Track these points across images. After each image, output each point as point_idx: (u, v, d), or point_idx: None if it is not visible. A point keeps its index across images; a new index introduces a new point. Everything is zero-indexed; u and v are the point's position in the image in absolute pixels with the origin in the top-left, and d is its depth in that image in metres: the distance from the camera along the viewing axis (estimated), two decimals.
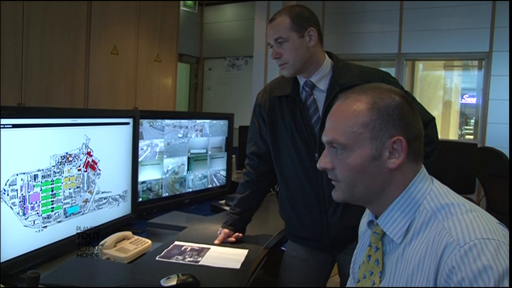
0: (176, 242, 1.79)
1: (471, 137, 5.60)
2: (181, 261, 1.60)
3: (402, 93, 1.04)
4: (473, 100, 5.64)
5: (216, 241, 1.84)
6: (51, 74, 3.83)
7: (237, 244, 1.84)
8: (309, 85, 1.70)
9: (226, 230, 1.87)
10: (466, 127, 5.84)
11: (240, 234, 1.90)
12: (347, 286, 1.34)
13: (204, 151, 2.64)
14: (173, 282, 1.35)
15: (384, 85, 1.06)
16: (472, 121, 5.67)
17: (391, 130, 0.99)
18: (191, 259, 1.63)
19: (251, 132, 1.92)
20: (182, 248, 1.73)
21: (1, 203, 1.37)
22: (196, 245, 1.78)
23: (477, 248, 0.86)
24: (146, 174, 2.23)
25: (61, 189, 1.62)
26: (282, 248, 1.98)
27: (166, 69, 5.28)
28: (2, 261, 1.37)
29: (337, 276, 1.85)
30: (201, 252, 1.70)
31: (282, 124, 1.75)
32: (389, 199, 1.03)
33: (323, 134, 1.07)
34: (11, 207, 1.41)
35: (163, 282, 1.36)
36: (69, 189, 1.66)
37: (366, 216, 1.22)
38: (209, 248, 1.75)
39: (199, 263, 1.58)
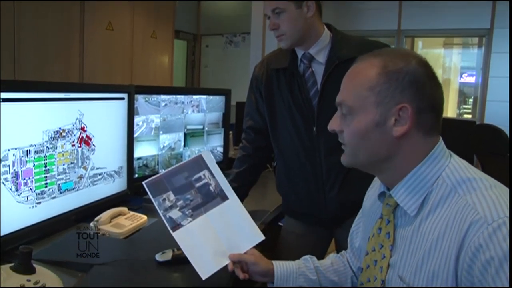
0: (205, 154, 1.34)
1: (469, 116, 5.59)
2: (163, 211, 1.22)
3: (422, 59, 0.99)
4: (472, 79, 5.61)
5: None
6: (45, 50, 3.78)
7: None
8: (307, 58, 1.66)
9: None
10: (464, 106, 5.82)
11: None
12: (344, 253, 1.34)
13: (201, 127, 2.60)
14: (168, 257, 1.33)
15: (404, 49, 1.01)
16: (471, 100, 5.65)
17: (398, 96, 0.95)
18: (177, 214, 1.22)
19: (247, 106, 1.88)
20: (195, 176, 1.28)
21: None
22: (218, 178, 1.33)
23: (506, 227, 0.82)
24: (142, 150, 2.20)
25: (54, 164, 1.59)
26: (280, 223, 1.97)
27: (163, 46, 5.21)
28: None
29: (335, 252, 1.84)
30: (209, 200, 1.29)
31: (279, 97, 1.72)
32: (399, 170, 0.99)
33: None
34: (3, 183, 1.38)
35: (158, 257, 1.34)
36: (63, 165, 1.63)
37: (374, 188, 1.20)
38: (225, 198, 1.32)
39: (173, 233, 1.20)
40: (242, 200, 1.91)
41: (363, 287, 1.10)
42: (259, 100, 1.80)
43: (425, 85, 0.96)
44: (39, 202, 1.53)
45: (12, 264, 1.12)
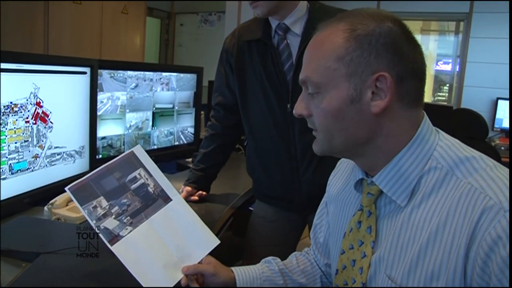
0: (137, 150, 1.15)
1: (444, 103, 5.57)
2: (95, 221, 1.00)
3: (396, 18, 0.84)
4: (447, 67, 5.57)
5: None
6: (6, 23, 3.54)
7: (200, 203, 1.72)
8: (283, 28, 1.54)
9: (189, 188, 1.74)
10: (439, 93, 5.79)
11: (204, 193, 1.78)
12: (308, 250, 1.23)
13: (171, 106, 2.47)
14: None
15: (372, 9, 0.85)
16: (446, 87, 5.62)
17: (374, 64, 0.79)
18: (113, 224, 1.00)
19: (217, 80, 1.76)
20: (130, 176, 1.09)
21: None
22: (156, 178, 1.14)
23: None
24: (107, 129, 2.06)
25: (5, 142, 1.45)
26: (250, 208, 1.87)
27: (134, 23, 5.02)
28: None
29: (308, 238, 1.75)
30: (149, 203, 1.09)
31: (251, 71, 1.59)
32: (382, 153, 0.85)
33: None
34: None
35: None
36: (15, 142, 1.49)
37: (341, 174, 1.06)
38: (168, 200, 1.13)
39: (112, 247, 0.98)
40: (209, 182, 1.81)
41: None
42: (229, 74, 1.68)
43: (403, 48, 0.81)
44: None
45: None
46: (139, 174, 1.10)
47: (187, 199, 1.72)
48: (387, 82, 0.79)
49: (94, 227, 0.97)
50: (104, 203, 1.00)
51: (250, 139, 1.70)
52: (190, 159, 2.49)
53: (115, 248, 0.97)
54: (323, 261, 1.15)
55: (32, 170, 1.57)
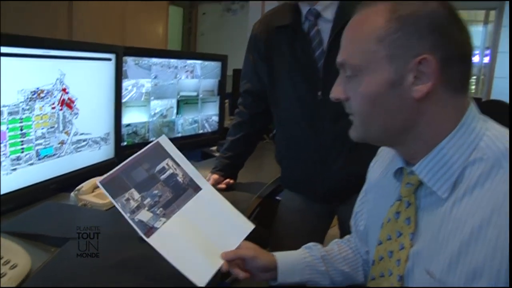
0: (162, 140, 1.14)
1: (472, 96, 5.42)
2: (129, 214, 0.97)
3: None
4: (475, 59, 5.43)
5: None
6: (29, 8, 3.53)
7: (227, 191, 1.69)
8: (313, 14, 1.49)
9: (216, 176, 1.71)
10: None
11: (231, 181, 1.75)
12: (349, 237, 1.19)
13: (195, 94, 2.45)
14: None
15: None
16: (473, 79, 5.48)
17: (416, 46, 0.74)
18: (147, 216, 0.97)
19: (244, 67, 1.72)
20: (158, 167, 1.06)
21: None
22: (184, 168, 1.11)
23: None
24: (131, 117, 2.05)
25: (32, 128, 1.44)
26: (277, 197, 1.84)
27: (157, 11, 5.00)
28: None
29: (336, 229, 1.71)
30: (180, 194, 1.06)
31: (280, 58, 1.54)
32: (424, 141, 0.79)
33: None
34: None
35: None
36: (42, 128, 1.49)
37: (381, 162, 1.02)
38: (198, 189, 1.10)
39: (148, 239, 0.95)
40: (237, 171, 1.78)
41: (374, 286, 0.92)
42: (258, 61, 1.64)
43: (449, 29, 0.75)
44: (15, 169, 1.39)
45: None
46: (167, 164, 1.08)
47: (214, 187, 1.70)
48: (430, 65, 0.74)
49: (128, 220, 0.95)
50: (136, 195, 0.97)
51: (278, 127, 1.66)
52: (215, 148, 2.47)
53: (152, 240, 0.95)
54: (364, 249, 1.11)
55: (59, 156, 1.57)
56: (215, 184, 1.70)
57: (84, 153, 1.70)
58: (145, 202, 0.98)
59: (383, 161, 1.00)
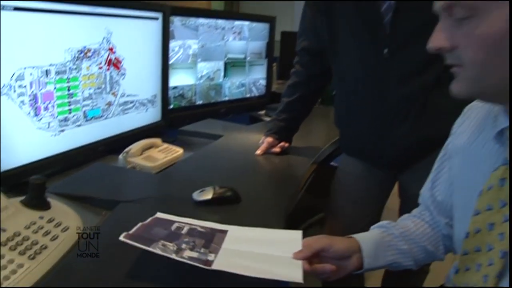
0: (160, 215, 1.01)
1: None
2: (171, 255, 0.82)
3: None
4: None
5: (259, 151, 1.62)
6: None
7: (282, 155, 1.62)
8: None
9: (270, 139, 1.63)
10: None
11: (286, 144, 1.67)
12: (421, 211, 1.07)
13: (243, 56, 2.36)
14: (208, 196, 1.14)
15: None
16: None
17: None
18: (194, 254, 0.84)
19: (302, 23, 1.60)
20: (173, 227, 0.94)
21: (7, 100, 1.16)
22: (198, 223, 0.99)
23: None
24: (178, 79, 1.99)
25: (79, 88, 1.40)
26: (332, 163, 1.75)
27: None
28: (12, 167, 1.19)
29: (395, 197, 1.60)
30: (211, 238, 0.92)
31: (342, 13, 1.38)
32: None
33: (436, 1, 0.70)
34: (19, 106, 1.21)
35: (196, 196, 1.15)
36: (89, 89, 1.44)
37: (470, 120, 0.88)
38: (224, 231, 0.96)
39: (212, 267, 0.80)
40: (292, 134, 1.69)
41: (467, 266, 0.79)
42: (317, 16, 1.49)
43: None
44: (63, 130, 1.36)
45: (23, 198, 0.96)
46: (179, 223, 0.96)
47: (268, 150, 1.64)
48: None
49: (178, 259, 0.80)
50: (169, 244, 0.85)
51: (339, 88, 1.54)
52: (263, 112, 2.39)
53: (218, 266, 0.80)
54: (443, 221, 0.99)
55: (106, 118, 1.53)
56: (269, 147, 1.63)
57: (131, 115, 1.66)
58: (182, 247, 0.85)
59: (472, 122, 0.87)
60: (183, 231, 0.92)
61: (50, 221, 0.92)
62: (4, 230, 0.83)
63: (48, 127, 1.31)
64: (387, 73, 1.32)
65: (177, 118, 1.99)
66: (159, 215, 1.00)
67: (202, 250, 0.85)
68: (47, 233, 0.88)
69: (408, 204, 1.23)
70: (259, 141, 1.68)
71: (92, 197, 1.13)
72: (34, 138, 1.27)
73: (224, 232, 0.96)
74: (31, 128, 1.25)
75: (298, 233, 0.96)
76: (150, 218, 0.96)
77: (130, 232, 0.85)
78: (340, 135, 1.60)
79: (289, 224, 1.04)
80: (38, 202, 0.94)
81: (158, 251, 0.79)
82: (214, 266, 0.79)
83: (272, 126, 1.66)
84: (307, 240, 0.91)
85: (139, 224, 0.90)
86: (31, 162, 1.26)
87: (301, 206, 1.04)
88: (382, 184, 1.55)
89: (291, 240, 0.93)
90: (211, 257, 0.83)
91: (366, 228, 1.02)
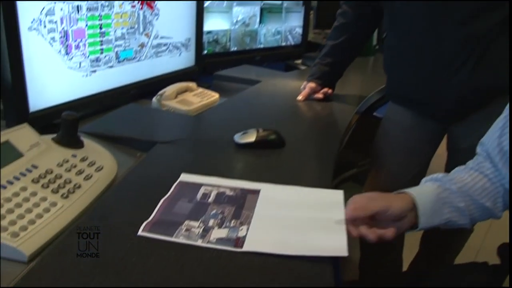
0: (184, 177, 0.90)
1: None
2: (196, 242, 0.70)
3: None
4: None
5: (300, 97, 1.53)
6: None
7: (324, 102, 1.52)
8: None
9: (313, 84, 1.53)
10: None
11: (330, 90, 1.57)
12: (479, 163, 0.96)
13: (279, 2, 2.24)
14: (251, 139, 1.06)
15: None
16: None
17: None
18: (222, 233, 0.73)
19: None
20: (199, 195, 0.84)
21: (37, 36, 1.09)
22: (227, 183, 0.89)
23: None
24: (212, 23, 1.89)
25: (111, 27, 1.33)
26: (375, 114, 1.64)
27: None
28: (42, 107, 1.14)
29: (443, 149, 1.48)
30: (242, 203, 0.83)
31: None
32: None
33: None
34: (50, 43, 1.14)
35: (237, 138, 1.07)
36: (122, 28, 1.37)
37: None
38: (256, 191, 0.87)
39: (244, 248, 0.69)
40: (336, 79, 1.59)
41: None
42: None
43: None
44: (94, 71, 1.30)
45: (55, 136, 0.90)
46: (205, 189, 0.86)
47: (310, 96, 1.55)
48: None
49: (206, 246, 0.70)
50: (195, 223, 0.75)
51: (390, 29, 1.39)
52: (299, 61, 2.29)
53: (249, 247, 0.70)
54: (506, 173, 0.87)
55: (138, 60, 1.46)
56: (311, 93, 1.54)
57: (164, 58, 1.58)
58: (210, 224, 0.75)
59: None
60: (210, 199, 0.83)
61: (83, 160, 0.86)
62: (35, 167, 0.78)
63: (79, 67, 1.25)
64: (445, 13, 1.18)
65: (211, 64, 1.90)
66: (183, 177, 0.90)
67: (232, 222, 0.76)
68: (80, 172, 0.82)
69: (457, 158, 1.15)
70: (300, 87, 1.58)
71: (126, 138, 1.07)
72: (65, 78, 1.21)
73: (256, 192, 0.86)
74: (62, 67, 1.19)
75: (339, 194, 0.87)
76: (174, 185, 0.86)
77: (151, 218, 0.74)
78: (388, 82, 1.47)
79: (322, 179, 0.95)
80: (70, 140, 0.88)
81: (182, 239, 0.70)
82: (246, 247, 0.69)
83: (315, 70, 1.56)
84: (358, 200, 0.81)
85: (162, 200, 0.80)
86: (62, 103, 1.21)
87: (341, 161, 0.95)
88: (432, 135, 1.42)
89: (331, 201, 0.85)
90: (242, 231, 0.74)
91: (412, 182, 0.92)
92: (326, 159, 1.04)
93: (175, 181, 0.88)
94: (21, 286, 0.57)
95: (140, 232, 0.70)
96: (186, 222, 0.75)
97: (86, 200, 0.78)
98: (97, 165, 0.86)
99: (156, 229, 0.72)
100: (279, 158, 1.04)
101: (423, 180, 0.91)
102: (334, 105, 1.52)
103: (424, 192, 0.85)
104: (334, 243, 0.71)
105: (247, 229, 0.74)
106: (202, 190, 0.85)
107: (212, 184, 0.88)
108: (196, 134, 1.15)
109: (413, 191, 0.84)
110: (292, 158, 1.06)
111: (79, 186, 0.79)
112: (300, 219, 0.78)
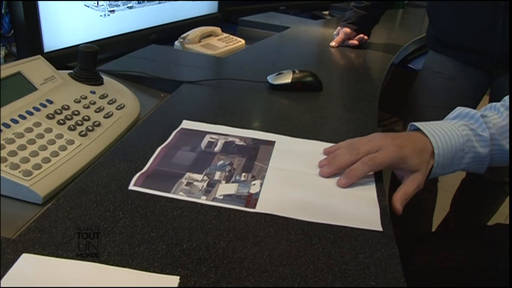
0: (186, 124, 0.79)
1: None
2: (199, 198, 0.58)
3: None
4: None
5: (334, 43, 1.42)
6: None
7: (359, 50, 1.41)
8: None
9: (347, 30, 1.42)
10: None
11: (365, 37, 1.45)
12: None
13: None
14: (287, 80, 0.96)
15: None
16: None
17: None
18: (231, 188, 0.62)
19: None
20: (203, 144, 0.73)
21: None
22: (236, 132, 0.77)
23: None
24: None
25: None
26: (410, 65, 1.52)
27: None
28: (57, 48, 1.05)
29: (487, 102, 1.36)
30: (254, 154, 0.71)
31: None
32: None
33: None
34: None
35: (271, 79, 0.98)
36: None
37: None
38: (271, 142, 0.76)
39: (256, 209, 0.57)
40: (372, 25, 1.48)
41: None
42: None
43: None
44: (113, 11, 1.20)
45: (71, 71, 0.81)
46: (211, 138, 0.74)
47: (344, 42, 1.44)
48: None
49: (211, 203, 0.58)
50: (198, 176, 0.63)
51: None
52: (326, 12, 2.16)
53: (262, 208, 0.57)
54: None
55: (159, 2, 1.36)
56: (346, 39, 1.42)
57: (186, 3, 1.47)
58: (216, 178, 0.63)
59: None
60: (217, 148, 0.71)
61: (103, 97, 0.78)
62: (51, 102, 0.69)
63: (97, 5, 1.15)
64: None
65: (234, 12, 1.79)
66: (185, 124, 0.78)
67: (243, 176, 0.65)
68: (100, 110, 0.74)
69: None
70: (333, 33, 1.47)
71: (149, 77, 0.98)
72: (81, 17, 1.12)
73: (271, 143, 0.75)
74: (78, 4, 1.09)
75: None
76: (174, 133, 0.75)
77: (144, 169, 0.63)
78: (431, 28, 1.35)
79: (368, 126, 0.85)
80: (89, 75, 0.79)
81: (181, 195, 0.58)
82: (259, 208, 0.58)
83: (351, 15, 1.43)
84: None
85: (159, 149, 0.69)
86: (78, 44, 1.11)
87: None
88: (475, 87, 1.30)
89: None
90: (254, 187, 0.62)
91: None
92: (368, 106, 0.94)
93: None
94: (35, 228, 0.49)
95: (131, 186, 0.59)
96: (187, 175, 0.63)
97: (106, 139, 0.69)
98: (118, 103, 0.78)
99: (151, 183, 0.60)
100: (317, 102, 0.94)
101: (457, 112, 0.77)
102: (370, 52, 1.41)
103: (448, 140, 0.72)
104: (364, 212, 0.60)
105: (261, 185, 0.63)
106: (207, 139, 0.74)
107: (219, 132, 0.77)
108: (225, 75, 1.05)
109: (437, 140, 0.72)
110: (331, 102, 0.96)
111: (99, 124, 0.70)
112: (322, 179, 0.66)
